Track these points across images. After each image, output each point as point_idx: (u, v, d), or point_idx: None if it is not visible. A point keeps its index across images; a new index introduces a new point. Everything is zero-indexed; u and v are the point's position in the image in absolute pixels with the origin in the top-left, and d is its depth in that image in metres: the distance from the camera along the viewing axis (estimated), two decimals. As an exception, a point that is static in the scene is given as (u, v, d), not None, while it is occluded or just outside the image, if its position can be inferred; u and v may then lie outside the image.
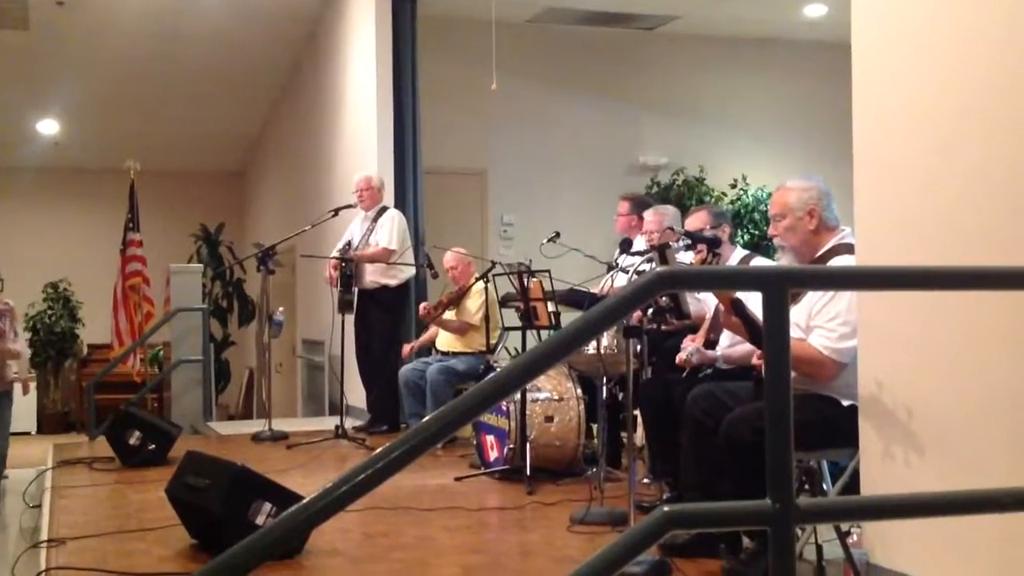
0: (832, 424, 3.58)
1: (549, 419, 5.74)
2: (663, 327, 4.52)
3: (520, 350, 6.50)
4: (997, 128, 3.01)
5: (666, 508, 1.83)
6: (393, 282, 7.66)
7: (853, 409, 3.54)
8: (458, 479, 5.83)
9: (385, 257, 7.58)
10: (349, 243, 7.75)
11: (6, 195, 14.27)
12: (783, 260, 3.90)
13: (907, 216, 3.34)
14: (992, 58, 3.04)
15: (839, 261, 3.72)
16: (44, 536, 4.71)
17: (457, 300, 7.25)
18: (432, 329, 7.66)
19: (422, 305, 7.52)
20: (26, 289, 13.94)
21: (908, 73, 3.35)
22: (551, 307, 5.78)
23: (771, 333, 1.87)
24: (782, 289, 1.89)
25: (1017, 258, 2.88)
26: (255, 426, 8.32)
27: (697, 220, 4.91)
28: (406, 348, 7.68)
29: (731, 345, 4.52)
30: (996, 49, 3.02)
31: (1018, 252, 2.90)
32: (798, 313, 3.67)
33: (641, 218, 6.49)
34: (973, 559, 3.06)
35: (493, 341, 7.02)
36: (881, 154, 3.47)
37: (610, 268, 6.07)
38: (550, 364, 1.98)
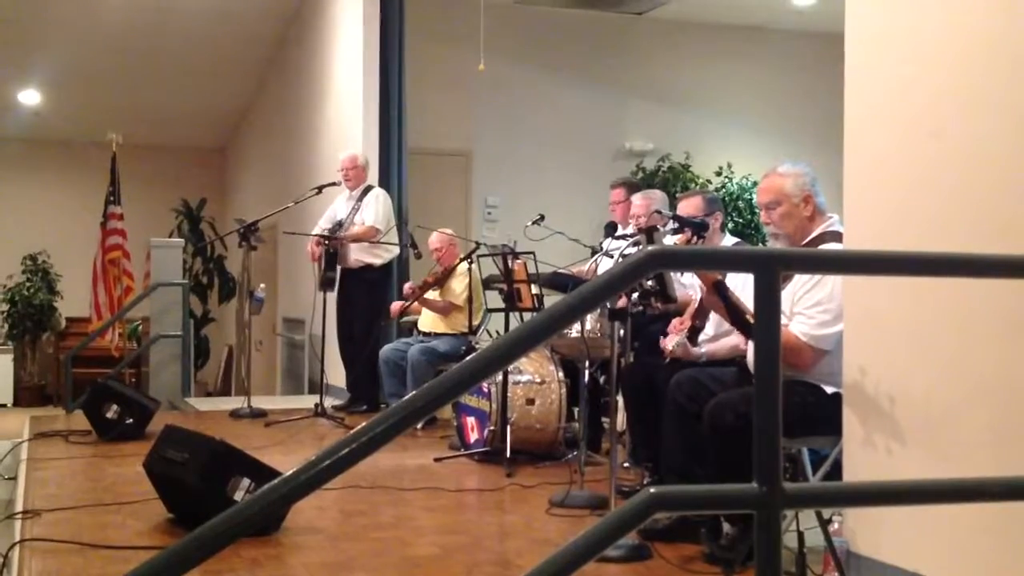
0: (815, 411, 3.56)
1: (530, 402, 5.72)
2: (648, 310, 4.50)
3: (502, 332, 6.47)
4: (990, 116, 3.00)
5: (652, 490, 1.81)
6: (378, 261, 7.64)
7: (837, 397, 3.53)
8: (438, 460, 5.81)
9: (371, 235, 7.54)
10: (340, 223, 7.70)
11: (-14, 165, 14.14)
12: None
13: (897, 204, 3.33)
14: (987, 46, 3.02)
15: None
16: (19, 508, 4.67)
17: (442, 280, 7.21)
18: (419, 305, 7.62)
19: (406, 285, 7.48)
20: (4, 261, 13.85)
21: (901, 61, 3.34)
22: (534, 289, 5.75)
23: (761, 315, 1.85)
24: (773, 271, 1.86)
25: (1008, 246, 2.87)
26: (233, 403, 8.28)
27: (690, 206, 4.88)
28: (395, 306, 7.55)
29: (715, 337, 4.50)
30: (991, 37, 3.01)
31: (1010, 240, 2.89)
32: (782, 300, 3.64)
33: (632, 201, 6.47)
34: (954, 549, 3.06)
35: (476, 322, 6.99)
36: (872, 142, 3.45)
37: (594, 252, 6.05)
38: (537, 342, 1.95)
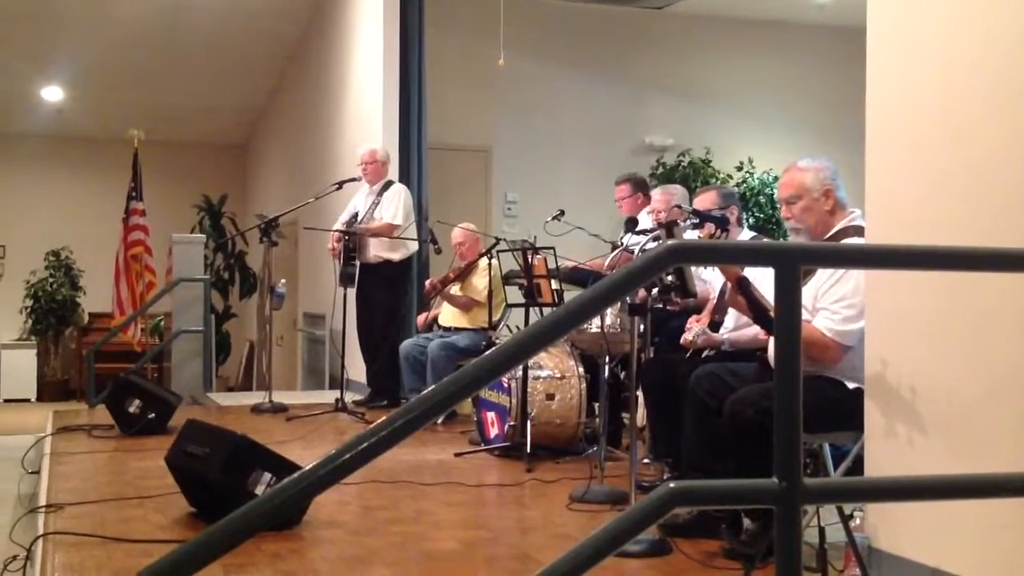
0: (837, 407, 3.55)
1: (550, 397, 5.72)
2: (668, 306, 4.49)
3: (522, 327, 6.46)
4: (1013, 112, 2.97)
5: (671, 485, 1.81)
6: (396, 256, 7.64)
7: (858, 392, 3.51)
8: (458, 455, 5.82)
9: (389, 232, 7.55)
10: (355, 216, 7.72)
11: (9, 162, 14.23)
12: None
13: (919, 199, 3.30)
14: (1010, 43, 3.00)
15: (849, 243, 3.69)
16: (42, 501, 4.70)
17: (463, 276, 7.22)
18: (440, 306, 7.65)
19: (428, 281, 7.50)
20: (28, 257, 13.96)
21: (924, 57, 3.32)
22: (554, 285, 5.75)
23: (782, 309, 1.84)
24: (794, 265, 1.86)
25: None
26: (255, 398, 8.30)
27: (705, 200, 4.87)
28: (420, 319, 7.66)
29: (736, 328, 4.50)
30: (1015, 34, 2.99)
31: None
32: (804, 295, 3.62)
33: (645, 196, 6.47)
34: (975, 545, 3.04)
35: (496, 317, 6.99)
36: (894, 137, 3.43)
37: (615, 247, 6.04)
38: (556, 337, 1.96)
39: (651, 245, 4.24)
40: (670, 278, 4.06)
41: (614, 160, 10.18)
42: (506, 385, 5.72)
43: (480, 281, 7.19)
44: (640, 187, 6.67)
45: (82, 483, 5.06)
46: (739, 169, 10.68)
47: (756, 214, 10.28)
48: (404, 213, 7.61)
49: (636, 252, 4.44)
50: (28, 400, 13.75)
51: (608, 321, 5.04)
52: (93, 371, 8.67)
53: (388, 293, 7.66)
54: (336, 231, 7.64)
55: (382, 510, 4.51)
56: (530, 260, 5.80)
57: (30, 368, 14.00)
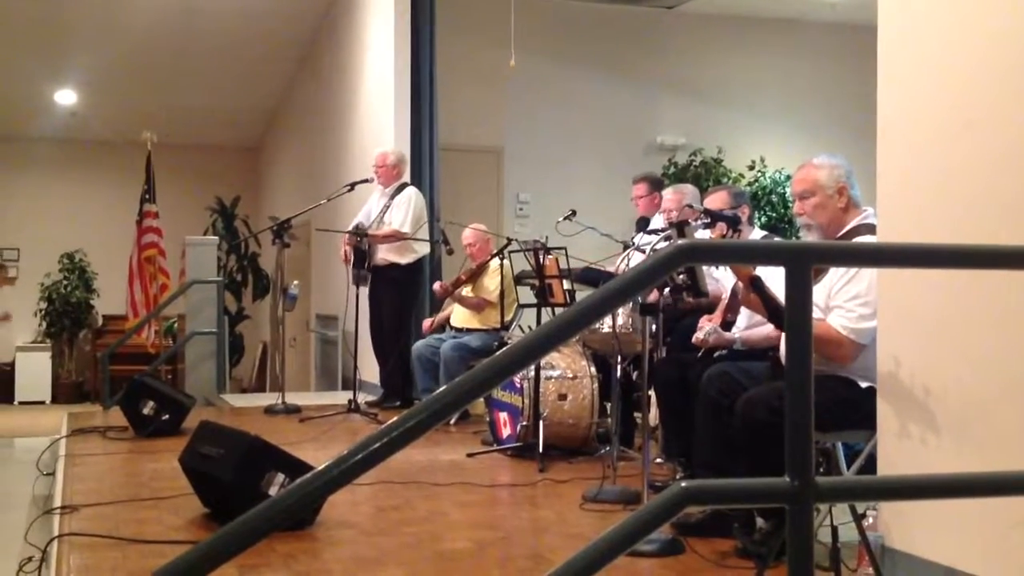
0: (849, 406, 3.55)
1: (563, 397, 5.72)
2: (679, 305, 4.49)
3: (534, 328, 6.46)
4: (1025, 108, 2.97)
5: (683, 484, 1.81)
6: (404, 260, 7.60)
7: (871, 391, 3.51)
8: (471, 455, 5.82)
9: (395, 238, 7.53)
10: (364, 220, 7.73)
11: (23, 165, 14.29)
12: (808, 240, 3.85)
13: (931, 197, 3.30)
14: (1020, 38, 2.99)
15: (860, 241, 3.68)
16: (57, 503, 4.72)
17: (474, 277, 7.22)
18: (448, 308, 7.65)
19: (437, 284, 7.50)
20: (42, 259, 14.02)
21: (935, 53, 3.31)
22: (566, 285, 5.75)
23: (793, 308, 1.84)
24: (805, 264, 1.86)
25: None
26: (268, 399, 8.33)
27: (717, 200, 4.87)
28: (426, 323, 7.69)
29: (749, 327, 4.50)
30: (1026, 28, 2.98)
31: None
32: (818, 293, 3.63)
33: (661, 195, 6.47)
34: (988, 544, 3.03)
35: (508, 318, 7.00)
36: (905, 134, 3.43)
37: (626, 247, 6.04)
38: (568, 336, 1.96)
39: (663, 245, 4.24)
40: (682, 277, 4.05)
41: (626, 160, 10.18)
42: (518, 385, 5.72)
43: (491, 281, 7.19)
44: (657, 186, 6.67)
45: (97, 484, 5.08)
46: (751, 168, 10.66)
47: (768, 213, 10.27)
48: (413, 219, 7.57)
49: (648, 252, 4.44)
50: (43, 402, 13.80)
51: (620, 321, 5.04)
52: (107, 373, 8.71)
53: (396, 296, 7.65)
54: (347, 232, 7.65)
55: (395, 510, 4.52)
56: (542, 260, 5.80)
57: (45, 370, 14.06)
